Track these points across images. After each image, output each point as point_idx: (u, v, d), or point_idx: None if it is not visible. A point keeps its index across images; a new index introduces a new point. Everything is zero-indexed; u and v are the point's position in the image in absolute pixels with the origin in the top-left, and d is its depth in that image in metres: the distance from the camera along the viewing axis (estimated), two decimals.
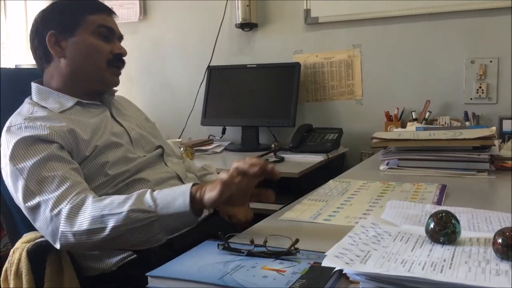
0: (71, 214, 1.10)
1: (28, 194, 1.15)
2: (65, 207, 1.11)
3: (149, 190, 1.12)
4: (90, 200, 1.13)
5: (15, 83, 1.46)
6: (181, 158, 1.65)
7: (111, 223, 1.07)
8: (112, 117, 1.43)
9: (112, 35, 1.41)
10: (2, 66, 1.46)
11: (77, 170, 1.22)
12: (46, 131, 1.21)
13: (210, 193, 1.04)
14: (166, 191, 1.11)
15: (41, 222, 1.14)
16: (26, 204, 1.15)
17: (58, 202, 1.12)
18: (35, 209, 1.14)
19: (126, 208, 1.07)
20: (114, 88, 1.50)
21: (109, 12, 1.43)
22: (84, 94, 1.39)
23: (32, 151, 1.19)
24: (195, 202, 1.06)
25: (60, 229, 1.10)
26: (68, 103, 1.34)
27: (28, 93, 1.37)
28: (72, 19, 1.36)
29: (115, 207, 1.09)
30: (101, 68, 1.38)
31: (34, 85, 1.38)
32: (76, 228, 1.09)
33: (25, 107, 1.32)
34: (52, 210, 1.12)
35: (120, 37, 1.45)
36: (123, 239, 1.09)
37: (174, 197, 1.08)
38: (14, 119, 1.27)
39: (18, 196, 1.17)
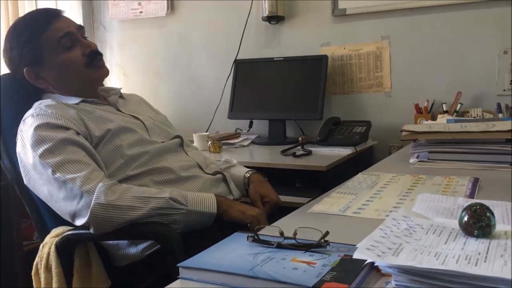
0: (108, 191, 1.18)
1: (54, 171, 1.20)
2: (97, 185, 1.18)
3: (179, 190, 1.29)
4: (124, 185, 1.25)
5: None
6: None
7: (152, 204, 1.20)
8: (120, 111, 1.45)
9: (74, 37, 1.39)
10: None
11: (95, 157, 1.27)
12: (60, 120, 1.27)
13: (237, 214, 1.28)
14: (194, 193, 1.29)
15: (69, 198, 1.19)
16: (55, 175, 1.19)
17: (87, 180, 1.19)
18: (62, 185, 1.19)
19: (167, 195, 1.23)
20: (118, 87, 1.57)
21: (56, 16, 1.40)
22: (87, 96, 1.42)
23: (50, 136, 1.24)
24: (220, 208, 1.27)
25: (94, 201, 1.16)
26: (74, 101, 1.38)
27: (29, 97, 1.41)
28: (32, 48, 1.36)
29: (155, 193, 1.23)
30: (84, 73, 1.41)
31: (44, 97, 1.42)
32: (115, 202, 1.17)
33: (35, 103, 1.36)
34: (81, 187, 1.18)
35: (80, 30, 1.43)
36: (148, 222, 1.20)
37: (203, 199, 1.27)
38: (27, 113, 1.32)
39: (47, 177, 1.21)
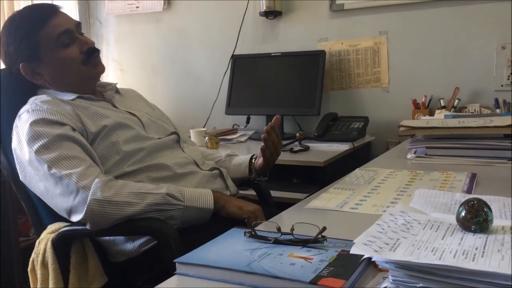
0: (104, 187, 1.17)
1: (50, 167, 1.19)
2: (94, 180, 1.17)
3: (175, 186, 1.28)
4: (121, 181, 1.24)
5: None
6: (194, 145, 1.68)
7: (148, 200, 1.19)
8: (115, 107, 1.44)
9: (72, 35, 1.38)
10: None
11: (90, 153, 1.26)
12: (55, 115, 1.26)
13: (234, 209, 1.27)
14: (191, 189, 1.28)
15: (65, 194, 1.18)
16: (51, 171, 1.19)
17: (83, 176, 1.18)
18: (59, 181, 1.19)
19: (163, 191, 1.22)
20: (114, 82, 1.55)
21: (54, 12, 1.39)
22: (83, 93, 1.41)
23: (46, 132, 1.23)
24: (217, 204, 1.27)
25: (91, 197, 1.15)
26: (70, 97, 1.37)
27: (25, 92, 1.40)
28: (30, 44, 1.35)
29: (152, 189, 1.22)
30: (81, 70, 1.40)
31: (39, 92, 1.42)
32: (112, 198, 1.16)
33: (31, 99, 1.36)
34: (77, 182, 1.17)
35: (78, 27, 1.42)
36: (145, 217, 1.20)
37: (200, 195, 1.26)
38: (23, 109, 1.31)
39: (43, 173, 1.21)
